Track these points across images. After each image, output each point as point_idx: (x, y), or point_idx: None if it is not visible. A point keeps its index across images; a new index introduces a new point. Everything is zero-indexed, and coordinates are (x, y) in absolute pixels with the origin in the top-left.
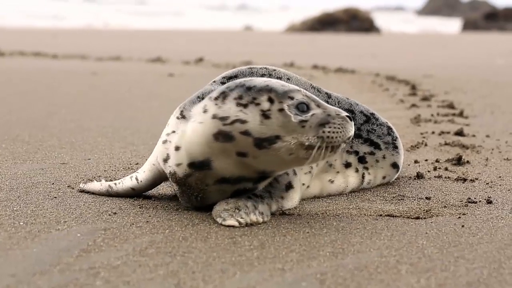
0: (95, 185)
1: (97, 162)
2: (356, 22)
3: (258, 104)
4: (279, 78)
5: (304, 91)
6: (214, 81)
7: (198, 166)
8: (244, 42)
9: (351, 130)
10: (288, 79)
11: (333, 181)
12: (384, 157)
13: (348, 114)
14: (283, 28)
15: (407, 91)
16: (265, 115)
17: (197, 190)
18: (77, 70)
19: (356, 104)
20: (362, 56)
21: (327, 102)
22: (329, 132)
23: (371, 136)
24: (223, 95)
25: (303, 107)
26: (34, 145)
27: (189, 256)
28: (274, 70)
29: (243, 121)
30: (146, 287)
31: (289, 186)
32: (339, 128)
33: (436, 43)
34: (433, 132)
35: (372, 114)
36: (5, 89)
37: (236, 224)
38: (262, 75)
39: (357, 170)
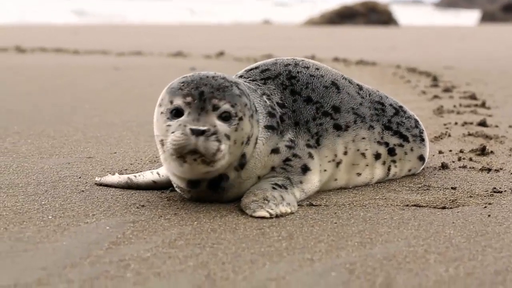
0: (112, 178)
1: (123, 155)
2: (375, 15)
3: (159, 105)
4: (307, 67)
5: (193, 97)
6: (240, 76)
7: None
8: (263, 35)
9: (189, 143)
10: (317, 68)
11: (360, 174)
12: (411, 150)
13: (198, 129)
14: (302, 21)
15: (428, 82)
16: (157, 116)
17: None
18: (98, 66)
19: (386, 97)
20: (382, 48)
21: (358, 93)
22: (169, 141)
23: (400, 129)
24: None
25: (176, 113)
26: (60, 140)
27: (219, 247)
28: (302, 60)
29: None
30: (177, 278)
31: (305, 169)
32: (176, 139)
33: (454, 35)
34: (456, 123)
35: (401, 107)
36: (28, 86)
37: (267, 215)
38: (287, 65)
39: (384, 163)
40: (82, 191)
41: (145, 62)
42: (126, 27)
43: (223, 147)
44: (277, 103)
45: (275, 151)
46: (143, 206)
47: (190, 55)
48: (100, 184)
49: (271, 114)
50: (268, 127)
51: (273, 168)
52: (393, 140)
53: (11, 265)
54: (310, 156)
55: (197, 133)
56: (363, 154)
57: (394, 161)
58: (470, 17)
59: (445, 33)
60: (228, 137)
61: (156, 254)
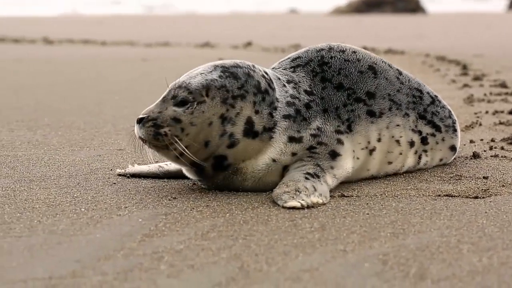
0: (142, 168)
1: None
2: (402, 3)
3: None
4: (342, 51)
5: (174, 86)
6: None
7: None
8: (290, 25)
9: (136, 133)
10: (354, 52)
11: (391, 162)
12: (443, 140)
13: (138, 118)
14: (329, 10)
15: (458, 71)
16: None
17: None
18: (126, 57)
19: (424, 85)
20: (410, 37)
21: (397, 78)
22: None
23: (434, 119)
24: None
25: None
26: (90, 132)
27: (251, 239)
28: (338, 45)
29: None
30: (210, 270)
31: (334, 155)
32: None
33: (482, 22)
34: (486, 112)
35: (436, 96)
36: (57, 78)
37: (298, 205)
38: (320, 50)
39: (416, 152)
40: (114, 183)
41: (173, 53)
42: (153, 17)
43: (166, 130)
44: (305, 90)
45: (294, 139)
46: (175, 198)
47: (217, 46)
48: (126, 175)
49: (289, 103)
50: (285, 116)
51: (294, 154)
52: (426, 129)
53: (45, 258)
54: (340, 142)
55: (137, 121)
56: (398, 141)
57: (425, 151)
58: (497, 3)
59: (473, 20)
60: (178, 120)
61: (189, 246)
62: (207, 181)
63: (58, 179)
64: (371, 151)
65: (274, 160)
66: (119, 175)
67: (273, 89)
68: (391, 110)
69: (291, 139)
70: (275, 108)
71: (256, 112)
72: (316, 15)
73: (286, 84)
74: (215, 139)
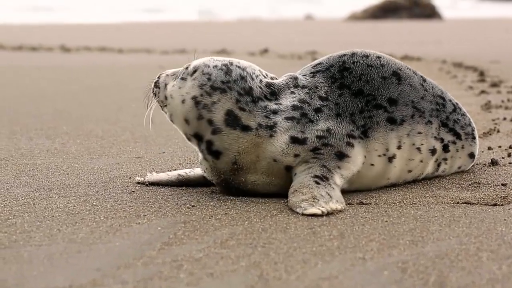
0: (161, 176)
1: (171, 155)
2: (418, 9)
3: None
4: (366, 56)
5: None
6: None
7: None
8: (306, 31)
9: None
10: (378, 57)
11: (411, 170)
12: (463, 147)
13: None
14: (345, 16)
15: (475, 77)
16: None
17: None
18: (143, 64)
19: (446, 92)
20: (426, 43)
21: (422, 85)
22: None
23: (455, 126)
24: None
25: None
26: (108, 140)
27: (270, 247)
28: (363, 51)
29: None
30: (230, 278)
31: (341, 156)
32: None
33: (499, 27)
34: (504, 118)
35: (457, 103)
36: (74, 85)
37: (319, 212)
38: (341, 56)
39: (436, 160)
40: (133, 191)
41: (190, 60)
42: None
43: (157, 92)
44: (320, 96)
45: (297, 140)
46: (193, 206)
47: (234, 53)
48: (144, 183)
49: (295, 107)
50: (287, 118)
51: (297, 156)
52: (448, 137)
53: (65, 266)
54: (349, 145)
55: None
56: (419, 149)
57: (445, 159)
58: None
59: (490, 26)
60: (165, 87)
61: (208, 255)
62: (216, 176)
63: (77, 188)
64: (391, 158)
65: (275, 160)
66: (138, 183)
67: (269, 99)
68: (414, 117)
69: (294, 140)
70: (275, 112)
71: (241, 108)
72: (332, 21)
73: (295, 90)
74: (193, 121)
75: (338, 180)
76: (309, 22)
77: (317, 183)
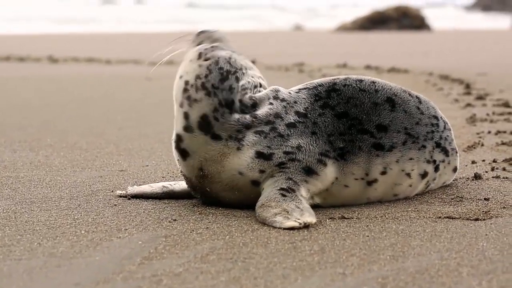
0: (144, 188)
1: (155, 168)
2: (407, 20)
3: None
4: (360, 80)
5: None
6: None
7: None
8: (295, 42)
9: None
10: (372, 82)
11: (397, 194)
12: (449, 163)
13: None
14: (334, 27)
15: (461, 90)
16: None
17: None
18: (131, 76)
19: (437, 108)
20: (414, 54)
21: (418, 108)
22: None
23: (445, 144)
24: None
25: None
26: (92, 152)
27: (250, 262)
28: (359, 76)
29: None
30: None
31: (309, 171)
32: None
33: (487, 39)
34: (489, 132)
35: (445, 119)
36: (61, 97)
37: (297, 225)
38: (335, 78)
39: (427, 182)
40: (115, 205)
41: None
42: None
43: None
44: (297, 112)
45: (262, 155)
46: (175, 220)
47: None
48: (126, 196)
49: (268, 122)
50: (256, 132)
51: (262, 172)
52: (440, 157)
53: (45, 281)
54: (321, 162)
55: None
56: (408, 174)
57: (434, 178)
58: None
59: (478, 38)
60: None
61: (189, 269)
62: (186, 181)
63: (59, 201)
64: (371, 182)
65: (240, 173)
66: (120, 196)
67: (246, 112)
68: (406, 144)
69: (259, 155)
70: (247, 127)
71: (215, 118)
72: (321, 32)
73: (274, 101)
74: (176, 102)
75: (304, 192)
76: (298, 33)
77: (283, 195)
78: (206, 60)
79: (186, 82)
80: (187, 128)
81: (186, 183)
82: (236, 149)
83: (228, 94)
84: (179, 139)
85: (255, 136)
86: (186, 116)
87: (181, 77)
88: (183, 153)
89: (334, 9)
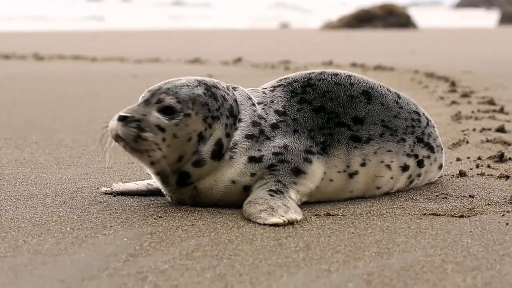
0: (129, 185)
1: (140, 166)
2: (393, 18)
3: None
4: (335, 74)
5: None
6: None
7: None
8: (281, 41)
9: (112, 128)
10: (348, 76)
11: (380, 187)
12: (435, 160)
13: (120, 115)
14: (320, 25)
15: (446, 87)
16: None
17: None
18: (116, 73)
19: (418, 106)
20: (400, 52)
21: (396, 103)
22: None
23: (430, 140)
24: None
25: None
26: (78, 150)
27: (236, 259)
28: (334, 70)
29: None
30: None
31: (297, 172)
32: (109, 124)
33: (473, 37)
34: (474, 129)
35: (425, 114)
36: (47, 94)
37: (280, 221)
38: (309, 73)
39: (410, 176)
40: (100, 202)
41: (163, 69)
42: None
43: (149, 135)
44: (276, 110)
45: (254, 159)
46: (160, 217)
47: (207, 62)
48: (111, 193)
49: (254, 123)
50: (247, 136)
51: (253, 175)
52: (423, 152)
53: (29, 278)
54: (307, 160)
55: (119, 118)
56: (388, 166)
57: (419, 174)
58: (489, 18)
59: (464, 36)
60: (162, 129)
61: (174, 266)
62: (170, 193)
63: (44, 198)
64: (352, 175)
65: (233, 182)
66: (105, 193)
67: (239, 113)
68: (383, 136)
69: (251, 159)
70: (237, 129)
71: (227, 135)
72: (307, 30)
73: (256, 104)
74: (188, 155)
75: (293, 195)
76: (284, 31)
77: (272, 195)
78: (186, 108)
79: (200, 134)
80: (198, 163)
81: (172, 201)
82: (229, 158)
83: (226, 104)
84: (185, 176)
85: (248, 141)
86: (199, 154)
87: (191, 138)
88: (186, 184)
89: (321, 7)
